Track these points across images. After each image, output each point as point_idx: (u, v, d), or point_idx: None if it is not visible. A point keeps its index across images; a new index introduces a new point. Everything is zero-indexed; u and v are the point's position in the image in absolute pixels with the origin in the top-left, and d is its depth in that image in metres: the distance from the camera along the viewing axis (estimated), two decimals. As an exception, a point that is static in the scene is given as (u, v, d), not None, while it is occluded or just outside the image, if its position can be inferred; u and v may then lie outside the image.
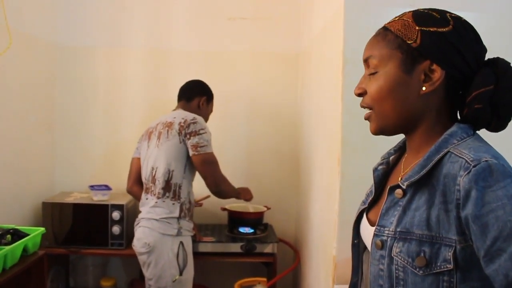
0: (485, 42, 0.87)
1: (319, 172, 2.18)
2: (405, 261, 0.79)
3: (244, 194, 2.48)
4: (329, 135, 1.87)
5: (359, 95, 0.91)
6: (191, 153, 2.14)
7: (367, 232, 0.94)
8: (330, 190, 1.83)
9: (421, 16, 0.85)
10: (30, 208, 2.62)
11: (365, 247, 0.99)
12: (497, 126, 0.84)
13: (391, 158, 0.99)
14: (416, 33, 0.83)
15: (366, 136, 1.55)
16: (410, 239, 0.79)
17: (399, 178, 0.91)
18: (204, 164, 2.16)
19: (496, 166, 0.73)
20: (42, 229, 2.02)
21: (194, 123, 2.16)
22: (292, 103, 2.94)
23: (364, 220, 0.97)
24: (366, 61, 0.90)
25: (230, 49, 2.94)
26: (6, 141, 2.37)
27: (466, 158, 0.76)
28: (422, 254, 0.77)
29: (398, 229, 0.81)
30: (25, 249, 1.90)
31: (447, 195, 0.77)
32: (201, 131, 2.15)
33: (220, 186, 2.23)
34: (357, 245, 1.01)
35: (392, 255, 0.81)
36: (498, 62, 0.84)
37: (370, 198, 0.97)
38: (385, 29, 0.89)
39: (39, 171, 2.76)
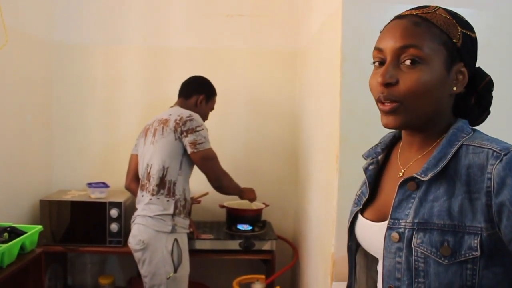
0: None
1: (318, 170, 2.18)
2: (429, 251, 0.79)
3: (248, 193, 2.48)
4: (327, 132, 1.87)
5: (388, 84, 0.83)
6: (189, 150, 2.13)
7: (369, 230, 0.93)
8: (328, 187, 1.83)
9: (457, 17, 0.86)
10: (28, 206, 2.61)
11: (357, 249, 1.00)
12: (483, 118, 0.92)
13: (379, 157, 0.99)
14: (459, 33, 0.84)
15: (364, 134, 1.56)
16: (431, 229, 0.80)
17: (400, 174, 0.91)
18: (204, 161, 2.16)
19: None
20: (39, 227, 2.02)
21: (190, 120, 2.15)
22: (291, 101, 2.94)
23: (361, 220, 0.96)
24: (401, 49, 0.82)
25: (228, 46, 2.93)
26: (3, 139, 2.36)
27: (492, 148, 0.78)
28: (446, 244, 0.78)
29: (416, 220, 0.81)
30: (22, 247, 1.89)
31: (472, 185, 0.78)
32: (198, 128, 2.15)
33: (221, 181, 2.24)
34: (351, 248, 1.01)
35: (412, 246, 0.81)
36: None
37: (364, 199, 0.97)
38: (424, 19, 0.84)
39: (37, 169, 2.75)
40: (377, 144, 1.01)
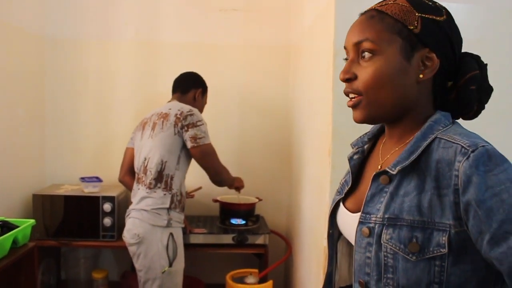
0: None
1: (311, 164, 2.18)
2: (397, 248, 0.79)
3: (238, 181, 2.49)
4: (320, 127, 1.87)
5: (347, 80, 0.86)
6: (189, 145, 2.13)
7: (347, 220, 0.94)
8: (321, 181, 1.84)
9: (417, 3, 0.84)
10: (20, 200, 2.60)
11: (339, 237, 1.00)
12: (475, 113, 0.87)
13: (365, 146, 0.99)
14: (417, 19, 0.81)
15: (357, 128, 1.55)
16: (400, 225, 0.79)
17: (379, 166, 0.91)
18: (204, 156, 2.17)
19: (493, 151, 0.74)
20: (32, 221, 2.01)
21: (191, 115, 2.15)
22: (284, 96, 2.94)
23: (342, 209, 0.96)
24: (357, 44, 0.85)
25: (222, 41, 2.92)
26: (-5, 133, 2.35)
27: (461, 144, 0.76)
28: (414, 240, 0.77)
29: (387, 216, 0.80)
30: (15, 241, 1.89)
31: (441, 181, 0.77)
32: (198, 123, 2.15)
33: (221, 175, 2.26)
34: (332, 235, 1.01)
35: (382, 242, 0.80)
36: (472, 54, 0.88)
37: (347, 188, 0.96)
38: (379, 12, 0.85)
39: (30, 163, 2.74)
40: (365, 134, 1.00)
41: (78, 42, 2.87)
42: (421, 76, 0.82)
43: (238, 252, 2.69)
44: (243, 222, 2.66)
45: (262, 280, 2.47)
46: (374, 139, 0.99)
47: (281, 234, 2.84)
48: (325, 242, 1.71)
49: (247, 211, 2.74)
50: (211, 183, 2.29)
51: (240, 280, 2.46)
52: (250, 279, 2.43)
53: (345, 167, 1.60)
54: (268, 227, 2.68)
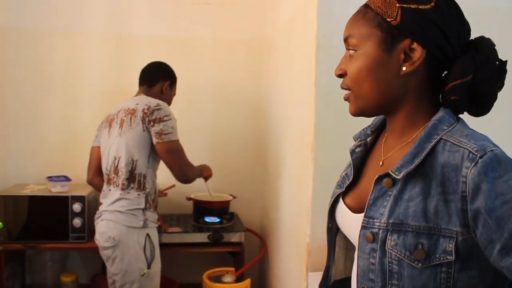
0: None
1: (289, 160, 2.16)
2: (402, 254, 0.76)
3: (206, 171, 2.44)
4: (301, 122, 1.85)
5: (340, 76, 0.87)
6: (155, 141, 2.05)
7: (347, 218, 0.92)
8: (302, 177, 1.82)
9: None
10: (-18, 202, 2.46)
11: (337, 231, 0.98)
12: (478, 112, 0.84)
13: (368, 139, 0.96)
14: (396, 10, 0.79)
15: (340, 122, 1.55)
16: (405, 231, 0.76)
17: (380, 162, 0.89)
18: (169, 153, 2.07)
19: (502, 155, 0.72)
20: (-2, 223, 1.90)
21: (158, 109, 2.06)
22: (257, 90, 2.91)
23: (342, 205, 0.94)
24: (346, 40, 0.86)
25: (194, 35, 2.86)
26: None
27: (468, 148, 0.73)
28: (420, 247, 0.75)
29: (391, 221, 0.78)
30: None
31: (447, 186, 0.74)
32: (165, 118, 2.06)
33: (187, 175, 2.16)
34: (331, 229, 1.00)
35: (386, 248, 0.78)
36: (482, 45, 0.80)
37: (348, 182, 0.94)
38: (365, 6, 0.85)
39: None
40: (368, 126, 0.98)
41: (44, 33, 2.72)
42: (404, 68, 0.80)
43: (213, 251, 2.64)
44: (218, 220, 2.61)
45: (239, 279, 2.44)
46: (377, 132, 0.97)
47: (256, 231, 2.81)
48: (308, 239, 1.69)
49: (222, 209, 2.69)
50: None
51: (217, 279, 2.41)
52: (227, 278, 2.39)
53: (328, 162, 1.60)
54: (243, 225, 2.65)
